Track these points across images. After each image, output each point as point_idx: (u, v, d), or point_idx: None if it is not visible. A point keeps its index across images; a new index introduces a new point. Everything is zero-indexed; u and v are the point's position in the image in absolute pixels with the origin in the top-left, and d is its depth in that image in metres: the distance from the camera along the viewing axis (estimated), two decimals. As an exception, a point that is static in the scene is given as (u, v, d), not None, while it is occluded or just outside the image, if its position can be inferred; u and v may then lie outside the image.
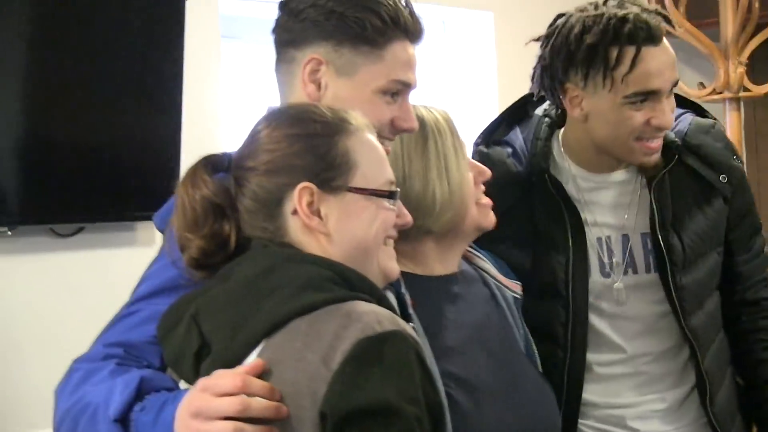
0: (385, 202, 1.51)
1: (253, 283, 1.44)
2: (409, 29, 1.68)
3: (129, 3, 2.85)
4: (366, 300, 1.40)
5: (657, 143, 2.01)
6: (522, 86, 4.08)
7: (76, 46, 2.76)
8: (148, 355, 1.56)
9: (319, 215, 1.46)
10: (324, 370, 1.31)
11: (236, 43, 3.23)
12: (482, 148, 2.13)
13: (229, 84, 3.13)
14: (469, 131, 3.56)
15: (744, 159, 3.95)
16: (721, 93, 3.94)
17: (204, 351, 1.45)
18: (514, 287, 1.96)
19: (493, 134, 2.17)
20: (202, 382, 1.40)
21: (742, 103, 3.98)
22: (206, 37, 3.03)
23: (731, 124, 3.95)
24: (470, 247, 1.97)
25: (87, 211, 2.83)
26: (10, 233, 2.76)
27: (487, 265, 1.97)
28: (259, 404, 1.34)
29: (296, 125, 1.49)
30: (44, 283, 2.82)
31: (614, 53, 1.92)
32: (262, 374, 1.37)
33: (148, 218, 2.80)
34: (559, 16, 2.03)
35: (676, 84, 2.00)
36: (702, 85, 4.03)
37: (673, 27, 2.03)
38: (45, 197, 2.79)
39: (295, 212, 1.45)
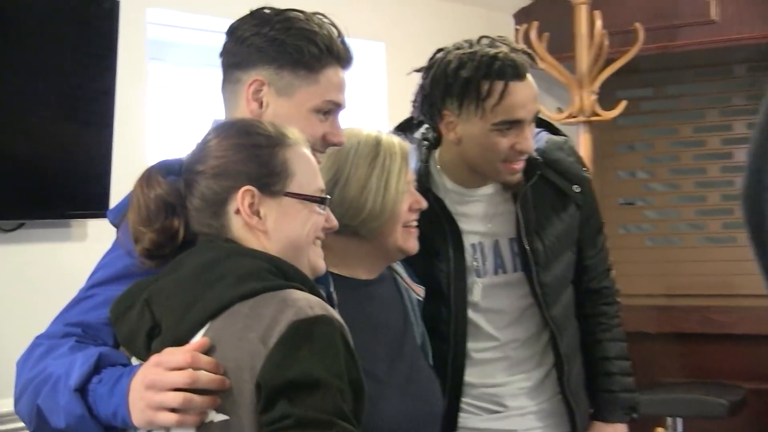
0: (317, 207, 1.54)
1: (201, 272, 1.46)
2: (341, 56, 1.72)
3: (66, 28, 2.86)
4: (300, 289, 1.43)
5: (520, 165, 2.07)
6: (408, 108, 4.26)
7: (19, 65, 2.76)
8: (103, 335, 1.57)
9: (258, 215, 1.50)
10: (262, 347, 1.35)
11: (163, 65, 3.27)
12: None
13: (155, 100, 3.17)
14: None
15: (592, 172, 4.30)
16: (575, 117, 4.09)
17: (155, 331, 1.46)
18: (417, 290, 2.03)
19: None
20: (155, 358, 1.42)
21: (592, 126, 4.12)
22: (135, 59, 3.06)
23: (584, 144, 4.09)
24: None
25: (28, 209, 2.83)
26: None
27: (399, 269, 2.03)
28: (206, 377, 1.37)
29: (242, 136, 1.53)
30: None
31: (485, 86, 1.99)
32: (208, 351, 1.39)
33: (82, 216, 2.93)
34: (438, 50, 2.09)
35: (537, 114, 2.09)
36: (560, 110, 4.18)
37: (536, 63, 2.10)
38: None
39: (237, 212, 1.50)
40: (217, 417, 1.37)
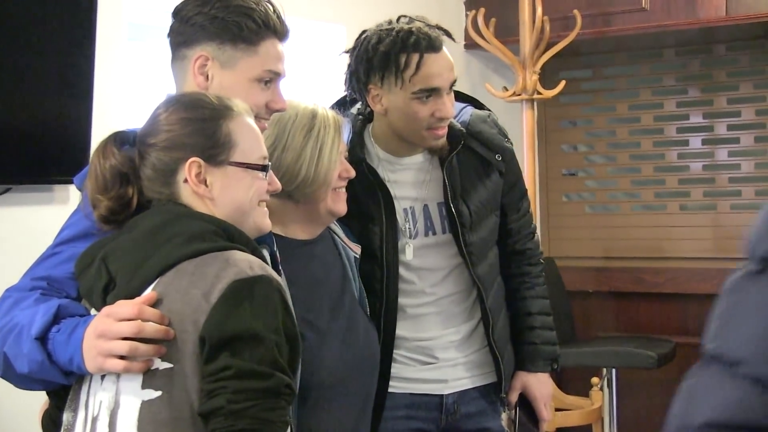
0: (259, 174, 1.55)
1: (152, 232, 1.48)
2: (278, 30, 1.74)
3: (49, 8, 2.85)
4: (242, 250, 1.45)
5: (442, 131, 2.09)
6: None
7: (5, 42, 2.77)
8: (67, 288, 1.59)
9: (205, 183, 1.51)
10: (205, 303, 1.37)
11: (141, 44, 3.29)
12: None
13: (131, 75, 3.18)
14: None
15: (536, 146, 4.36)
16: (519, 95, 4.09)
17: (111, 286, 1.48)
18: (354, 248, 2.06)
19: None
20: (106, 309, 1.45)
21: (535, 104, 4.13)
22: (114, 37, 3.08)
23: (528, 119, 4.09)
24: None
25: (13, 174, 2.84)
26: None
27: (337, 229, 2.05)
28: (151, 328, 1.38)
29: (189, 110, 1.53)
30: None
31: (403, 59, 2.02)
32: (155, 304, 1.41)
33: (64, 182, 2.92)
34: (363, 32, 2.10)
35: (454, 83, 2.09)
36: (505, 89, 4.19)
37: (453, 39, 2.12)
38: None
39: (186, 181, 1.50)
40: (162, 365, 1.39)
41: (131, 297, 1.43)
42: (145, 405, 1.39)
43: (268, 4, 1.75)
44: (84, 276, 1.53)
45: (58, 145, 2.91)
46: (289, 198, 1.92)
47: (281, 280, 1.47)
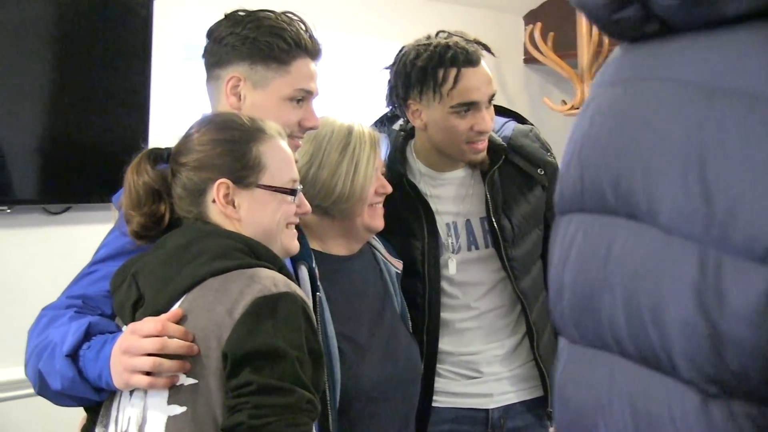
0: (287, 198, 1.53)
1: (179, 250, 1.46)
2: (309, 49, 1.73)
3: (110, 35, 2.92)
4: (268, 267, 1.43)
5: (482, 144, 2.06)
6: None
7: (73, 63, 2.84)
8: (102, 306, 1.59)
9: (233, 205, 1.49)
10: (228, 319, 1.35)
11: (196, 63, 3.27)
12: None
13: (187, 94, 3.17)
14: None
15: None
16: (578, 109, 3.78)
17: (140, 303, 1.47)
18: (396, 264, 2.04)
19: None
20: (131, 326, 1.44)
21: None
22: (172, 58, 3.12)
23: None
24: None
25: (73, 193, 2.87)
26: (9, 211, 2.81)
27: (378, 244, 2.03)
28: (175, 344, 1.37)
29: (220, 131, 1.52)
30: (37, 252, 2.87)
31: (440, 73, 1.99)
32: (180, 321, 1.39)
33: None
34: (402, 48, 2.08)
35: (492, 96, 2.05)
36: (564, 102, 4.18)
37: (492, 53, 2.09)
38: (39, 182, 2.83)
39: (214, 201, 1.49)
40: (187, 381, 1.38)
41: (158, 313, 1.43)
42: (171, 420, 1.37)
43: (300, 23, 1.74)
44: (117, 292, 1.53)
45: (115, 163, 2.82)
46: (326, 214, 1.92)
47: (307, 298, 1.45)
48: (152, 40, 2.98)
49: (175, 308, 1.42)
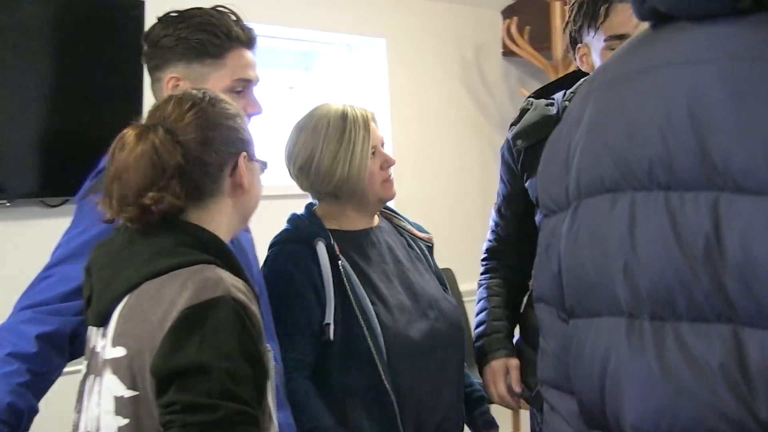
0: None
1: (122, 248, 1.37)
2: (242, 39, 1.69)
3: (104, 34, 2.92)
4: (213, 262, 1.34)
5: None
6: (407, 98, 4.26)
7: (69, 61, 2.85)
8: (62, 310, 1.52)
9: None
10: (160, 332, 1.26)
11: None
12: (531, 98, 2.07)
13: None
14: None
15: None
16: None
17: (91, 299, 1.39)
18: (425, 237, 2.09)
19: (545, 90, 2.10)
20: None
21: None
22: None
23: None
24: (391, 211, 2.10)
25: (70, 186, 2.56)
26: (8, 204, 2.80)
27: (402, 222, 2.09)
28: None
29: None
30: (36, 244, 2.61)
31: (602, 9, 1.90)
32: (120, 328, 1.32)
33: None
34: None
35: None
36: None
37: None
38: (37, 176, 2.83)
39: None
40: (128, 393, 1.30)
41: (102, 316, 1.35)
42: (121, 430, 1.31)
43: (230, 15, 1.71)
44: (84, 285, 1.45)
45: (110, 158, 2.92)
46: (334, 197, 1.97)
47: (249, 293, 1.35)
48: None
49: (119, 311, 1.35)
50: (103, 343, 1.35)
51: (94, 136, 2.77)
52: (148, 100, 2.85)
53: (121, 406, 1.30)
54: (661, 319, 0.86)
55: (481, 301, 2.16)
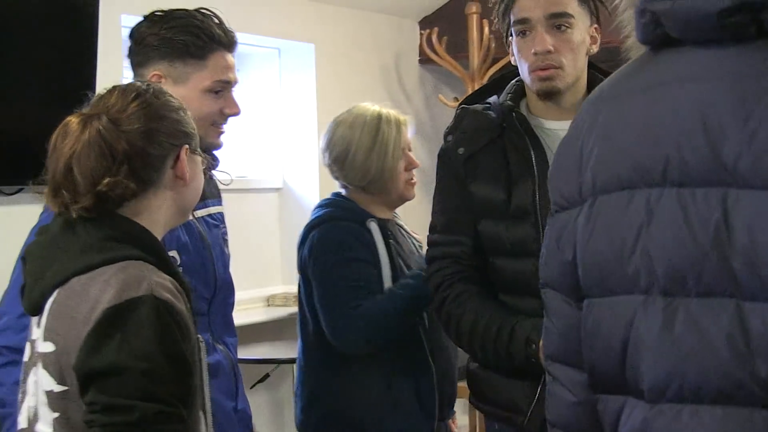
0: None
1: (53, 240, 1.35)
2: (224, 42, 1.72)
3: (57, 29, 2.93)
4: (143, 257, 1.31)
5: (544, 72, 1.78)
6: (334, 101, 4.33)
7: (22, 56, 2.85)
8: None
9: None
10: (84, 330, 1.25)
11: None
12: (465, 105, 1.92)
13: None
14: (294, 133, 3.59)
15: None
16: None
17: (24, 290, 1.38)
18: (418, 239, 2.27)
19: (474, 97, 1.97)
20: None
21: None
22: (112, 56, 3.10)
23: None
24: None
25: (24, 175, 2.58)
26: None
27: (401, 221, 2.28)
28: None
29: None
30: None
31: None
32: (50, 322, 1.31)
33: None
34: None
35: (558, 16, 1.76)
36: (456, 99, 4.21)
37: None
38: None
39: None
40: (57, 387, 1.29)
41: (34, 308, 1.35)
42: (55, 422, 1.31)
43: (213, 18, 1.74)
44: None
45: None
46: (365, 191, 2.15)
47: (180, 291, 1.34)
48: (98, 33, 3.03)
49: (49, 305, 1.34)
50: (38, 335, 1.34)
51: (48, 125, 2.87)
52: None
53: (52, 399, 1.29)
54: (672, 296, 0.97)
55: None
